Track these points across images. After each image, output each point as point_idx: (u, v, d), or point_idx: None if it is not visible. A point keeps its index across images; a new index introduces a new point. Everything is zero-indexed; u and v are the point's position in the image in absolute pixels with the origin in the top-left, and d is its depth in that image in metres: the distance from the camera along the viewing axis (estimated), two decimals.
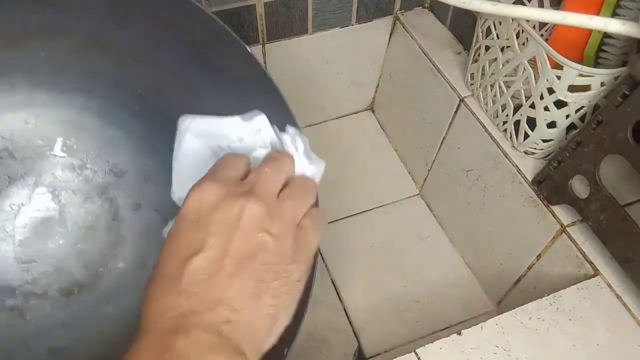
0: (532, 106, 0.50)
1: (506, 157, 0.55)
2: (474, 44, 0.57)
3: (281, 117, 0.40)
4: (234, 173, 0.30)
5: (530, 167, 0.54)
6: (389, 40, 0.73)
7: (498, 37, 0.52)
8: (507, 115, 0.54)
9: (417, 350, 0.42)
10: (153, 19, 0.41)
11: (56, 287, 0.49)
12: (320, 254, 0.68)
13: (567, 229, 0.50)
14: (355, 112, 0.84)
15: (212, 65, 0.43)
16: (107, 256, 0.50)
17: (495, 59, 0.53)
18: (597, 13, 0.46)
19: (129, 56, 0.44)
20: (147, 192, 0.51)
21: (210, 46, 0.42)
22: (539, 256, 0.54)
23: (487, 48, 0.55)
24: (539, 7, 0.50)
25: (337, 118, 0.83)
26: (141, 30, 0.42)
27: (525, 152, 0.55)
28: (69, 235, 0.49)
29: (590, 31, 0.48)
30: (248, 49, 0.41)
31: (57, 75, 0.46)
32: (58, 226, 0.49)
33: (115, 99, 0.48)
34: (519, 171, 0.54)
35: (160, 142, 0.49)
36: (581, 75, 0.44)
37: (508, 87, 0.53)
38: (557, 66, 0.45)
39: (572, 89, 0.46)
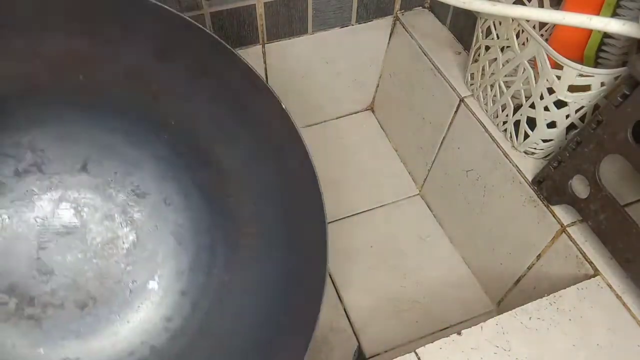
0: (532, 106, 0.50)
1: (506, 157, 0.55)
2: (474, 44, 0.57)
3: (299, 162, 0.44)
4: None
5: (530, 167, 0.54)
6: (389, 40, 0.73)
7: (498, 37, 0.52)
8: (507, 115, 0.54)
9: (417, 350, 0.42)
10: (194, 62, 0.44)
11: (72, 299, 0.51)
12: None
13: (567, 229, 0.50)
14: (355, 112, 0.84)
15: (243, 109, 0.46)
16: (121, 272, 0.52)
17: (495, 59, 0.53)
18: (597, 13, 0.46)
19: (165, 90, 0.46)
20: (166, 215, 0.53)
21: (245, 94, 0.44)
22: (539, 256, 0.54)
23: (487, 48, 0.55)
24: (539, 7, 0.50)
25: (337, 118, 0.83)
26: (181, 69, 0.44)
27: (525, 152, 0.55)
28: (88, 251, 0.51)
29: (590, 31, 0.48)
30: (282, 104, 0.43)
31: (93, 98, 0.47)
32: (78, 241, 0.51)
33: (145, 124, 0.49)
34: (519, 171, 0.54)
35: (183, 170, 0.51)
36: (581, 75, 0.44)
37: (508, 87, 0.53)
38: (557, 66, 0.45)
39: (572, 89, 0.46)
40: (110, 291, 0.51)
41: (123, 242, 0.52)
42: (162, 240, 0.53)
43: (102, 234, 0.52)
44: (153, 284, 0.53)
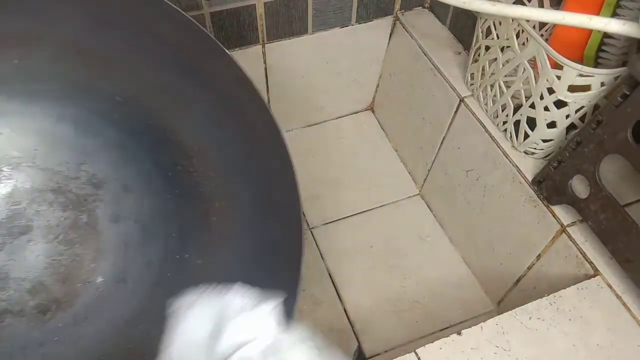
0: (532, 106, 0.50)
1: (506, 157, 0.55)
2: (474, 44, 0.57)
3: (261, 119, 0.41)
4: None
5: (530, 167, 0.54)
6: (389, 40, 0.73)
7: (498, 37, 0.52)
8: (507, 115, 0.54)
9: (417, 350, 0.42)
10: (131, 25, 0.40)
11: (32, 303, 0.46)
12: (320, 254, 0.68)
13: (567, 229, 0.50)
14: (355, 112, 0.84)
15: (192, 70, 0.42)
16: (85, 270, 0.48)
17: (495, 59, 0.53)
18: (597, 13, 0.46)
19: (106, 63, 0.43)
20: (127, 203, 0.49)
21: (190, 50, 0.41)
22: (539, 256, 0.54)
23: (487, 48, 0.55)
24: (539, 7, 0.50)
25: (337, 118, 0.83)
26: (119, 36, 0.41)
27: (525, 152, 0.55)
28: (46, 249, 0.47)
29: (590, 31, 0.48)
30: (228, 52, 0.40)
31: (32, 83, 0.44)
32: (34, 240, 0.47)
33: (92, 107, 0.46)
34: (519, 171, 0.54)
35: (139, 151, 0.48)
36: (581, 75, 0.44)
37: (508, 87, 0.53)
38: (557, 66, 0.45)
39: (572, 89, 0.46)
40: (75, 292, 0.47)
41: (84, 237, 0.48)
42: (127, 230, 0.49)
43: (61, 230, 0.48)
44: (121, 279, 0.48)
